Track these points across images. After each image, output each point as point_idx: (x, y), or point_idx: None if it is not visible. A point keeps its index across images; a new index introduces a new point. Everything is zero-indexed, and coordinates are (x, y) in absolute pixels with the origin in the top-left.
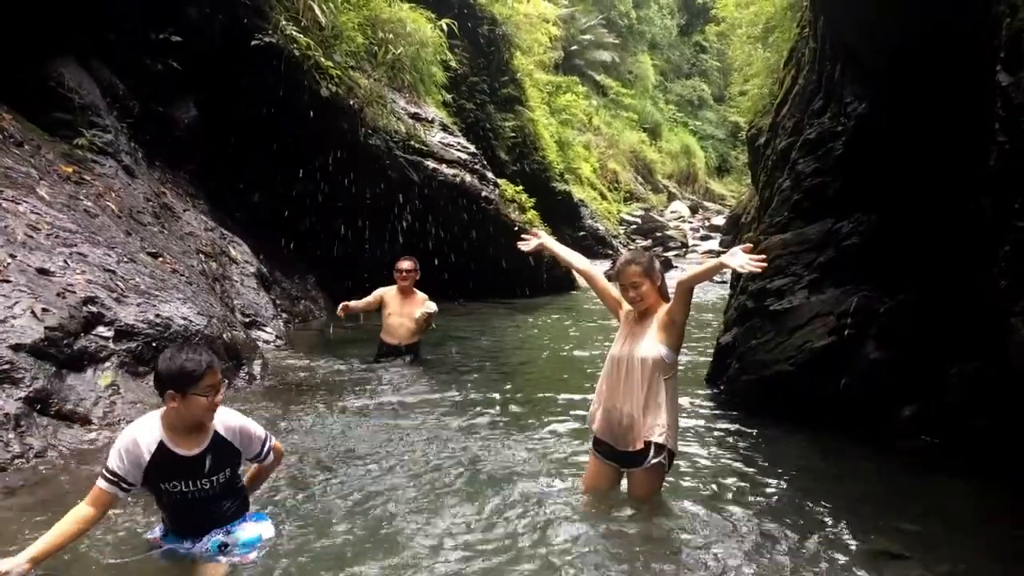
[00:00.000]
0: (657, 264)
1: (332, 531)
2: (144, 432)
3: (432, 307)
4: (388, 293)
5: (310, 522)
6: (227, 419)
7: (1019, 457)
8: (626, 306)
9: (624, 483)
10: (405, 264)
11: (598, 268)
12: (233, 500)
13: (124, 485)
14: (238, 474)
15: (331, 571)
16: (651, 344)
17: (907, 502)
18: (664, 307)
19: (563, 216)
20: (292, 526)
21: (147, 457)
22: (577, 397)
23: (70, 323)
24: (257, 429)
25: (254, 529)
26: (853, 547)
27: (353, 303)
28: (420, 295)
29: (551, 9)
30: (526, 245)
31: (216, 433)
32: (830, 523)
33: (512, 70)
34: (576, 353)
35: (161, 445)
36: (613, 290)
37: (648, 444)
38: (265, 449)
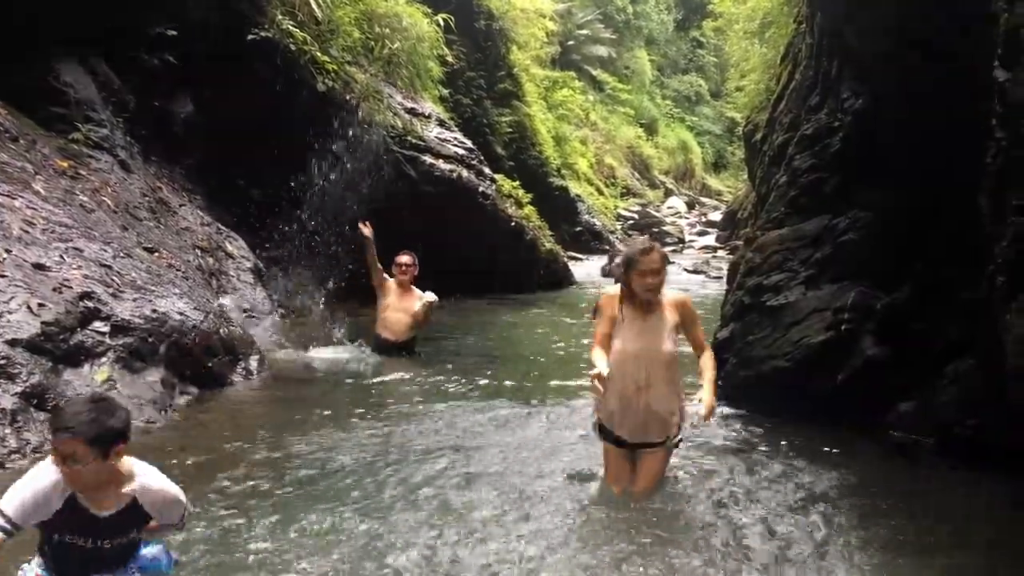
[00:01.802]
0: (666, 253)
1: (329, 528)
2: (59, 480)
3: (431, 296)
4: (389, 283)
5: (307, 519)
6: (148, 483)
7: (1014, 454)
8: (625, 308)
9: None
10: (404, 258)
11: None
12: (127, 554)
13: (10, 528)
14: (140, 535)
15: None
16: (668, 338)
17: (902, 498)
18: (670, 305)
19: (560, 211)
20: (285, 522)
21: (56, 507)
22: (575, 389)
23: (66, 318)
24: (178, 496)
25: (151, 553)
26: (844, 542)
27: (372, 245)
28: (418, 291)
29: (548, 4)
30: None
31: (133, 499)
32: (823, 518)
33: (509, 65)
34: (573, 347)
35: (71, 499)
36: (605, 322)
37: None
38: (181, 519)
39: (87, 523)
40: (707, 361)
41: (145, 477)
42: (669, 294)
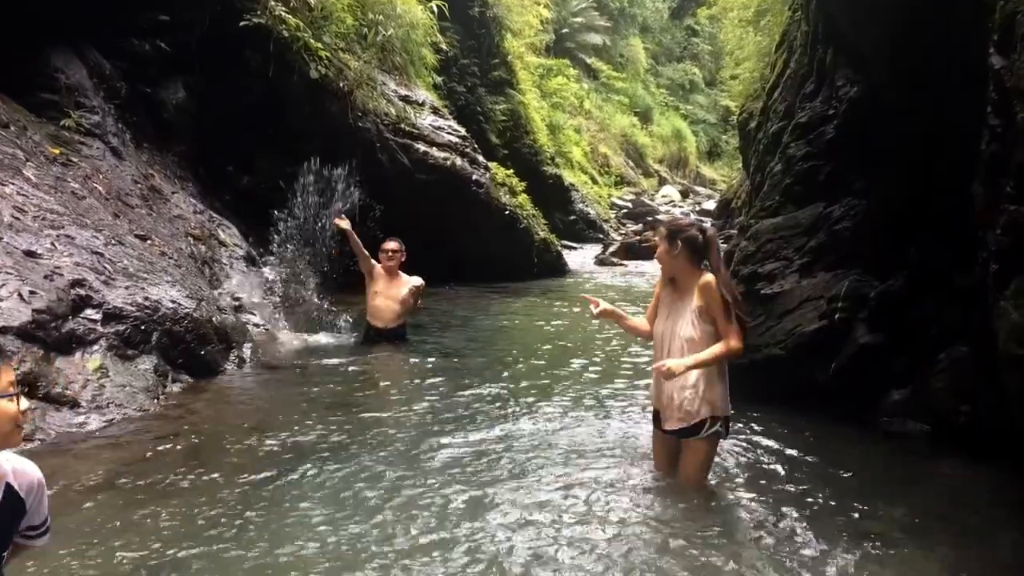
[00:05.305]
0: (689, 233)
1: (325, 522)
2: None
3: (417, 280)
4: (378, 269)
5: (300, 515)
6: (24, 467)
7: (1007, 442)
8: (666, 288)
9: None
10: (391, 244)
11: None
12: None
13: None
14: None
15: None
16: (691, 322)
17: (895, 486)
18: (698, 287)
19: (554, 200)
20: (280, 514)
21: None
22: (569, 380)
23: (58, 306)
24: (43, 481)
25: None
26: (840, 530)
27: (353, 234)
28: (405, 277)
29: None
30: (595, 308)
31: (7, 485)
32: (817, 506)
33: (503, 52)
34: (567, 336)
35: None
36: (654, 300)
37: (703, 420)
38: (46, 526)
39: None
40: (713, 346)
41: (12, 456)
42: (701, 276)
